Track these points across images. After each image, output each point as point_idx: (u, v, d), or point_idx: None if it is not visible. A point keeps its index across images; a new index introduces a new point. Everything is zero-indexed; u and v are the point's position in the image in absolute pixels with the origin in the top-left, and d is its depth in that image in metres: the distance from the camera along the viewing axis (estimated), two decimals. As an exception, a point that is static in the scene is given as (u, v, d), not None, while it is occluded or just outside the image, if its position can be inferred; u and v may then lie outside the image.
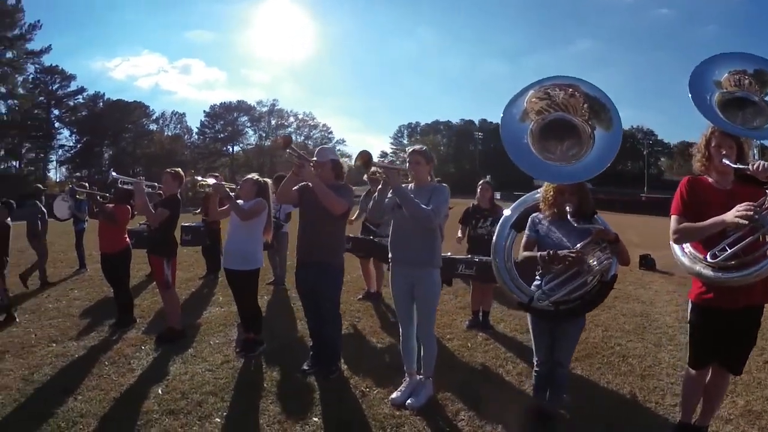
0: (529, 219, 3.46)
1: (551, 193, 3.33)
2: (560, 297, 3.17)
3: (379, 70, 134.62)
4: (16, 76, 54.61)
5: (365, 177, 6.77)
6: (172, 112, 73.88)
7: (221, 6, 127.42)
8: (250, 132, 76.40)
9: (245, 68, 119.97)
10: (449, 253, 5.29)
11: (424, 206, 3.48)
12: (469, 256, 5.43)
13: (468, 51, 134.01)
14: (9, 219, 6.23)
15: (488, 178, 6.23)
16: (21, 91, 55.94)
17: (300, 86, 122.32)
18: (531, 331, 3.50)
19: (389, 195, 3.65)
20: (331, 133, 79.16)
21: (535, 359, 3.54)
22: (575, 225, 3.12)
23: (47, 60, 57.80)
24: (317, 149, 4.41)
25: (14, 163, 61.62)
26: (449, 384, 4.12)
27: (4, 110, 56.38)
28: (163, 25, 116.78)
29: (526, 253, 3.31)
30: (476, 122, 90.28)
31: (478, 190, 5.78)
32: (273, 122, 76.32)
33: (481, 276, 5.23)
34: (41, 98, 60.55)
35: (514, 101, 3.45)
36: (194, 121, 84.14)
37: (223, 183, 4.96)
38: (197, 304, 6.95)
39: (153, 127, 71.18)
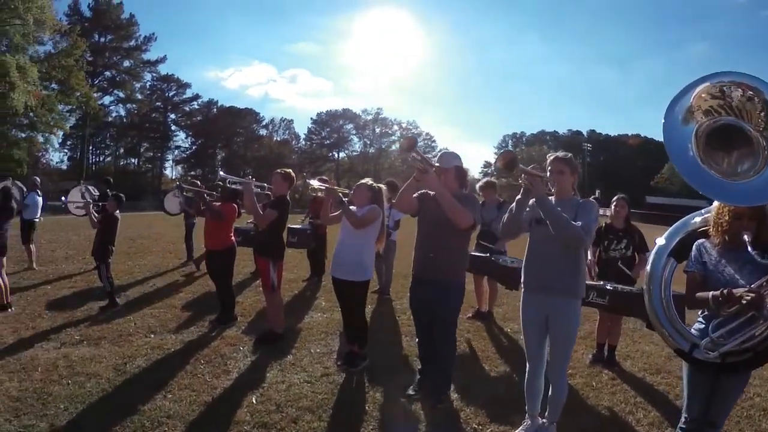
0: (694, 247, 2.82)
1: (726, 217, 2.68)
2: (732, 347, 2.52)
3: (483, 78, 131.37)
4: (134, 83, 59.52)
5: (477, 187, 6.36)
6: (280, 119, 77.05)
7: (326, 18, 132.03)
8: (355, 139, 77.54)
9: (349, 78, 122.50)
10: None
11: (573, 223, 2.99)
12: (601, 282, 4.75)
13: (574, 57, 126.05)
14: (118, 211, 6.40)
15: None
16: (139, 96, 60.94)
17: (403, 95, 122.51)
18: (685, 383, 2.86)
19: (528, 207, 3.20)
20: (434, 141, 77.81)
21: (683, 415, 2.87)
22: (758, 259, 2.47)
23: (163, 69, 63.02)
24: (440, 154, 3.97)
25: (133, 160, 67.45)
26: (573, 430, 3.54)
27: (123, 113, 61.97)
28: (271, 38, 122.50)
29: (701, 295, 2.65)
30: (584, 133, 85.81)
31: (613, 207, 5.11)
32: (377, 130, 76.50)
33: (615, 307, 4.58)
34: (158, 103, 65.79)
35: (679, 97, 2.74)
36: (301, 128, 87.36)
37: (336, 187, 4.70)
38: (299, 308, 6.79)
39: (263, 132, 74.37)
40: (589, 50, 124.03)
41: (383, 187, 4.71)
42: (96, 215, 6.61)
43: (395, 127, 76.51)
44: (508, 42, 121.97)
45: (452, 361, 3.90)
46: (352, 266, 4.36)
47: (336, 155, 75.72)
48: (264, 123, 74.42)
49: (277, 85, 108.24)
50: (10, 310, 5.96)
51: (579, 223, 3.00)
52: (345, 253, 4.41)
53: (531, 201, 3.14)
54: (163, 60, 61.14)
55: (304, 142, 76.22)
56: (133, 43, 57.74)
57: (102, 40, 54.82)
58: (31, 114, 31.64)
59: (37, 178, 9.88)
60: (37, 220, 9.16)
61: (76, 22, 41.15)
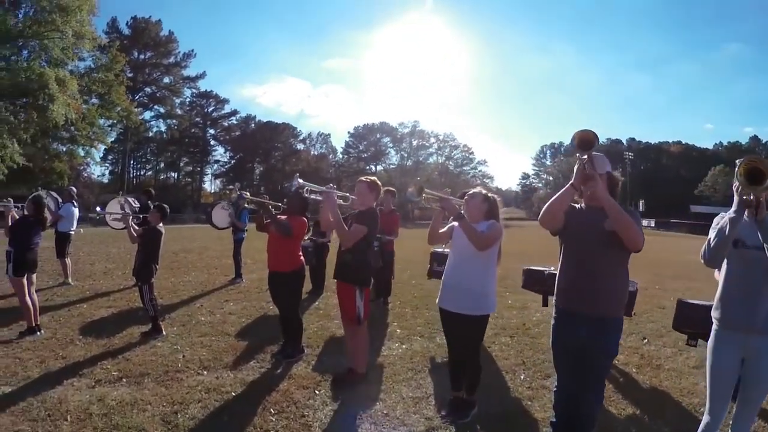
0: None
1: None
2: None
3: (517, 87, 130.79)
4: (174, 98, 60.57)
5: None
6: (318, 133, 77.91)
7: (358, 33, 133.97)
8: (392, 152, 77.22)
9: (384, 91, 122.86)
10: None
11: None
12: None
13: (605, 64, 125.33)
14: (161, 224, 5.49)
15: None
16: (179, 111, 61.95)
17: (439, 107, 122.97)
18: None
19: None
20: (472, 153, 77.16)
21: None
22: None
23: (202, 85, 64.72)
24: (596, 156, 2.80)
25: (173, 174, 68.28)
26: None
27: (164, 128, 62.81)
28: (305, 54, 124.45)
29: None
30: (624, 141, 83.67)
31: None
32: (414, 143, 76.15)
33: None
34: (197, 119, 66.84)
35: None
36: (337, 142, 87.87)
37: (451, 197, 3.65)
38: (371, 337, 5.69)
39: (300, 146, 74.91)
40: (620, 56, 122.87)
41: (498, 198, 3.73)
42: (136, 228, 5.70)
43: (432, 140, 76.37)
44: (540, 50, 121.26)
45: (598, 409, 3.01)
46: (473, 298, 3.46)
47: (373, 168, 75.28)
48: (301, 137, 75.35)
49: (312, 101, 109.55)
50: (39, 333, 5.13)
51: None
52: (464, 280, 3.50)
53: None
54: (202, 76, 62.38)
55: (341, 156, 76.60)
56: (172, 59, 58.88)
57: (141, 57, 55.85)
58: (71, 128, 31.80)
59: (74, 188, 9.17)
60: (72, 232, 8.39)
61: (115, 39, 41.64)
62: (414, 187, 3.66)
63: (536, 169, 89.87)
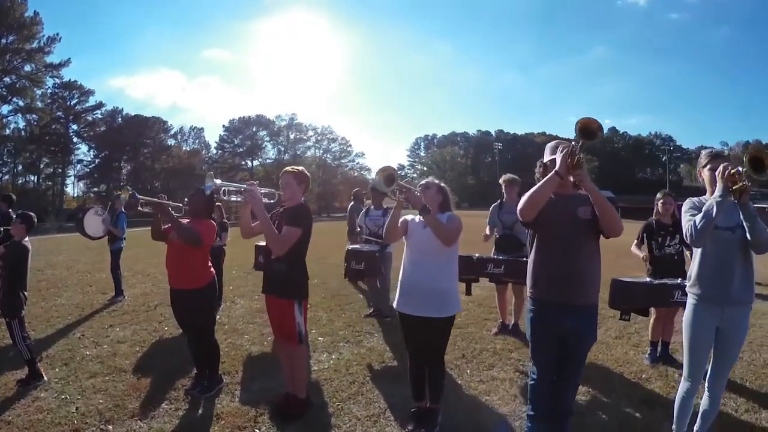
0: None
1: None
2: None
3: (396, 83, 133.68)
4: (35, 89, 53.19)
5: (501, 181, 5.86)
6: (190, 127, 73.05)
7: (236, 24, 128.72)
8: (269, 146, 74.93)
9: (261, 86, 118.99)
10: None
11: None
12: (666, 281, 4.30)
13: (482, 63, 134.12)
14: (27, 238, 4.31)
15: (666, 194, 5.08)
16: (39, 104, 54.72)
17: (318, 102, 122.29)
18: None
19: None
20: (350, 146, 77.05)
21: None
22: None
23: (66, 74, 56.83)
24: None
25: (33, 177, 60.22)
26: None
27: (22, 124, 55.47)
28: (180, 44, 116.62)
29: None
30: (493, 132, 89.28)
31: (660, 204, 4.99)
32: (292, 136, 74.31)
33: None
34: (59, 113, 59.51)
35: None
36: (212, 137, 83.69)
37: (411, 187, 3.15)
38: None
39: (171, 142, 70.26)
40: (495, 56, 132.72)
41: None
42: None
43: (310, 133, 75.38)
44: (420, 48, 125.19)
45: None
46: (440, 298, 3.15)
47: (250, 163, 72.93)
48: (172, 132, 70.62)
49: (186, 94, 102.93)
50: None
51: None
52: (426, 280, 3.16)
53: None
54: (67, 63, 54.66)
55: (215, 151, 73.10)
56: (35, 44, 51.09)
57: (3, 42, 48.28)
58: None
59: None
60: None
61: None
62: (381, 174, 3.11)
63: (411, 160, 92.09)
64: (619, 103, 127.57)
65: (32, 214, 4.45)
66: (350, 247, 6.09)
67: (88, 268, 10.93)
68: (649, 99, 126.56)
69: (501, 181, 5.72)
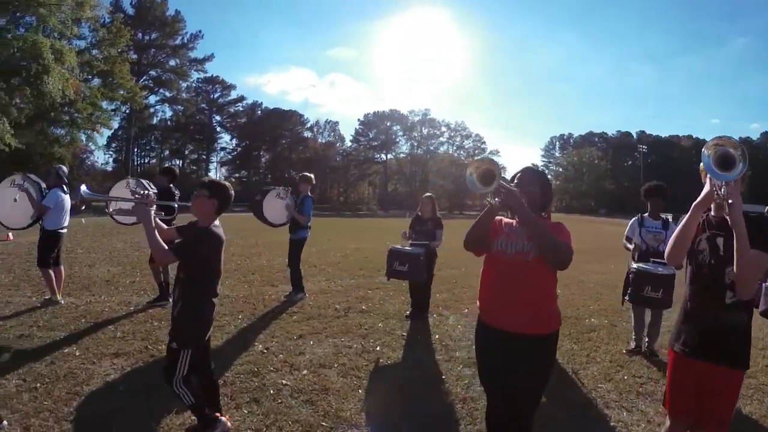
0: None
1: None
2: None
3: (524, 78, 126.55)
4: (180, 82, 57.31)
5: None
6: (325, 121, 75.23)
7: (363, 23, 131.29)
8: (403, 141, 74.35)
9: (389, 82, 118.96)
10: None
11: None
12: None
13: (612, 55, 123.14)
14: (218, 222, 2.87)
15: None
16: (184, 96, 58.92)
17: (445, 98, 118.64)
18: None
19: None
20: (484, 143, 74.44)
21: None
22: None
23: (209, 70, 61.78)
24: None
25: (178, 162, 64.93)
26: None
27: (169, 114, 60.31)
28: (308, 43, 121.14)
29: None
30: (634, 134, 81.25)
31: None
32: (425, 131, 73.20)
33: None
34: (203, 105, 64.28)
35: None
36: (345, 131, 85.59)
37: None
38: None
39: (308, 134, 72.63)
40: (627, 48, 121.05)
41: None
42: (163, 227, 3.00)
43: (443, 128, 73.82)
44: (545, 40, 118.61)
45: None
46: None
47: (383, 157, 72.93)
48: (308, 125, 72.94)
49: (317, 90, 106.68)
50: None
51: None
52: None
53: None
54: (210, 58, 59.11)
55: (350, 144, 74.06)
56: (179, 41, 55.37)
57: (146, 38, 52.43)
58: (71, 109, 29.15)
59: (63, 168, 6.03)
60: (63, 230, 5.72)
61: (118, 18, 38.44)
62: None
63: (545, 160, 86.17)
64: (766, 104, 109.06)
65: (227, 184, 3.04)
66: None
67: (243, 251, 10.17)
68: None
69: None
